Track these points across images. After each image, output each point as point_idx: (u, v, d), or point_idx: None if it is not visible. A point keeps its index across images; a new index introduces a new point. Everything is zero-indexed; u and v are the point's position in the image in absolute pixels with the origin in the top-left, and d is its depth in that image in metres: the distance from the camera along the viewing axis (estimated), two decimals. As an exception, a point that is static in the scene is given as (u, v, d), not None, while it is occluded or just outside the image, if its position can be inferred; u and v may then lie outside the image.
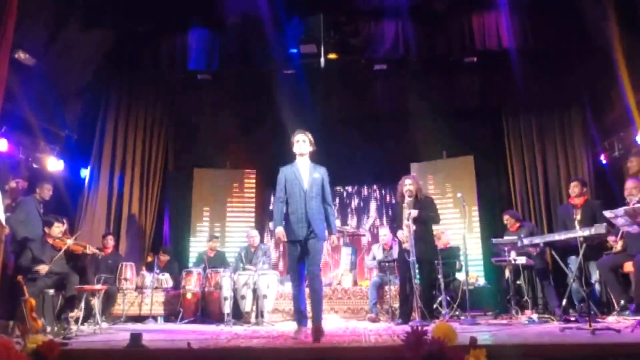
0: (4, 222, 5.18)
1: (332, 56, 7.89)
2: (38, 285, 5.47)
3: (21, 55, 6.59)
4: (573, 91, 7.88)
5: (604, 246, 5.88)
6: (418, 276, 5.35)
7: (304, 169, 4.47)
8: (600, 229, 4.77)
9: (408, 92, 8.89)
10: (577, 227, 5.10)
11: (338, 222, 8.41)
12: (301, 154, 4.50)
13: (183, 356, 3.08)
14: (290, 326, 5.74)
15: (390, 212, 8.24)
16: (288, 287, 7.09)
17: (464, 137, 8.96)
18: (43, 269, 5.61)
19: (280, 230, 4.34)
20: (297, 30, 7.74)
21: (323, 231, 4.35)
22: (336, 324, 5.92)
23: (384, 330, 4.85)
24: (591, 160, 7.66)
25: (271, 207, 7.99)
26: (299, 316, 4.29)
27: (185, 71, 8.14)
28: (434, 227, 6.09)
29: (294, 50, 7.91)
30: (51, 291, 5.67)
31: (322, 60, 7.63)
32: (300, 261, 4.31)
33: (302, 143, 4.49)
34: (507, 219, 6.98)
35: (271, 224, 7.10)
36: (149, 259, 8.20)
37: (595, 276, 5.98)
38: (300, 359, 3.02)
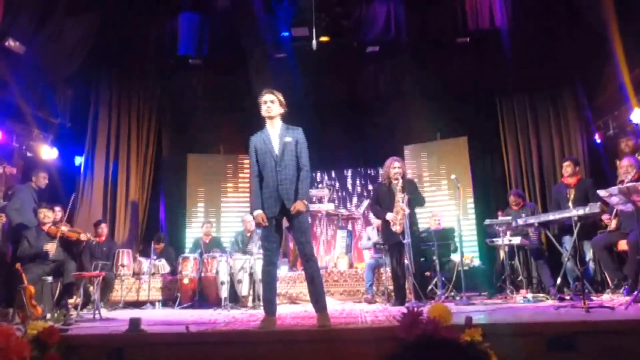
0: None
1: (323, 39, 7.83)
2: (36, 272, 5.49)
3: (11, 43, 6.51)
4: (566, 71, 7.86)
5: (598, 225, 5.93)
6: (412, 258, 5.39)
7: (274, 134, 3.89)
8: (594, 207, 4.79)
9: (401, 74, 8.86)
10: (571, 206, 5.13)
11: (331, 206, 8.42)
12: (270, 117, 3.90)
13: (182, 340, 3.10)
14: (287, 309, 5.81)
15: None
16: (284, 270, 7.15)
17: (457, 118, 8.96)
18: (52, 247, 5.63)
19: (259, 213, 3.73)
20: (288, 13, 7.66)
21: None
22: (332, 306, 5.96)
23: (380, 311, 4.90)
24: (585, 140, 7.69)
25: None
26: (269, 306, 3.68)
27: (175, 56, 8.06)
28: (430, 209, 6.13)
29: (286, 34, 7.85)
30: (49, 278, 5.69)
31: (314, 43, 7.56)
32: (274, 242, 3.78)
33: (271, 104, 3.88)
34: (512, 199, 6.98)
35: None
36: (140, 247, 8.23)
37: (589, 255, 6.04)
38: (298, 341, 3.05)
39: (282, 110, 3.95)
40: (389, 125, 9.27)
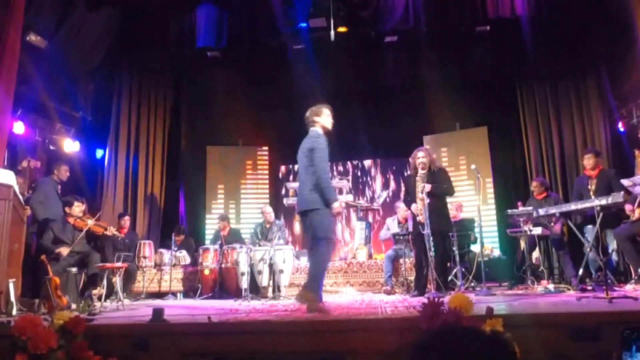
0: (23, 203, 5.30)
1: (342, 29, 7.78)
2: (61, 264, 5.60)
3: (32, 37, 6.60)
4: (588, 58, 7.70)
5: (621, 215, 5.82)
6: (433, 249, 5.34)
7: None
8: (617, 197, 4.71)
9: (419, 64, 8.79)
10: (593, 197, 5.04)
11: (351, 197, 8.44)
12: (329, 132, 4.53)
13: (204, 330, 3.14)
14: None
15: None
16: (304, 261, 7.19)
17: (477, 108, 8.87)
18: (64, 250, 5.71)
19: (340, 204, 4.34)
20: (305, 4, 7.64)
21: None
22: (352, 297, 5.99)
23: (400, 302, 4.89)
24: (608, 129, 7.53)
25: (288, 185, 8.01)
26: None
27: (194, 49, 8.11)
28: (452, 199, 6.05)
29: (304, 25, 7.82)
30: (74, 270, 5.79)
31: (332, 33, 7.52)
32: None
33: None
34: (535, 185, 6.79)
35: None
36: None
37: (612, 245, 5.93)
38: (318, 331, 3.07)
39: None
40: (408, 116, 9.21)
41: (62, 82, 7.48)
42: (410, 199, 5.81)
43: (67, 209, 6.02)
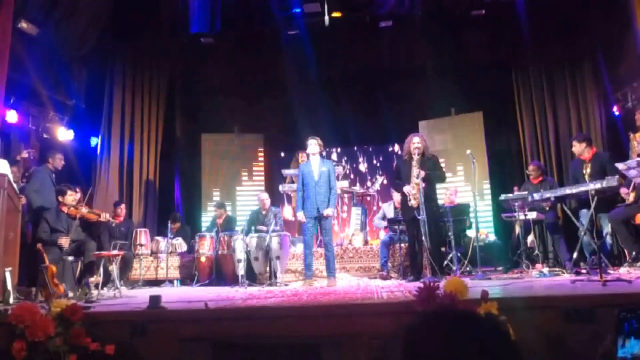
0: (18, 192, 5.27)
1: (336, 14, 7.72)
2: (57, 252, 5.59)
3: (24, 24, 6.52)
4: (585, 42, 7.66)
5: (616, 198, 5.85)
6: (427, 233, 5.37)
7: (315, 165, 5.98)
8: (612, 181, 4.72)
9: (415, 49, 8.73)
10: (587, 181, 5.06)
11: (346, 183, 8.43)
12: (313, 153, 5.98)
13: (201, 316, 3.16)
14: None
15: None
16: (300, 248, 7.22)
17: (472, 93, 8.83)
18: (65, 242, 5.70)
19: (300, 213, 5.98)
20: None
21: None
22: (348, 282, 6.02)
23: (396, 287, 4.91)
24: (603, 112, 7.53)
25: (284, 172, 8.02)
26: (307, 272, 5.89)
27: (187, 35, 8.02)
28: (447, 184, 6.08)
29: (298, 10, 7.75)
30: (70, 258, 5.77)
31: (327, 18, 7.46)
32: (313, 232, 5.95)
33: (314, 145, 5.96)
34: (532, 169, 6.81)
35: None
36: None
37: (606, 229, 5.96)
38: (315, 316, 3.09)
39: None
40: (403, 101, 9.18)
41: (55, 69, 7.41)
42: (400, 182, 5.82)
43: (60, 198, 5.99)
